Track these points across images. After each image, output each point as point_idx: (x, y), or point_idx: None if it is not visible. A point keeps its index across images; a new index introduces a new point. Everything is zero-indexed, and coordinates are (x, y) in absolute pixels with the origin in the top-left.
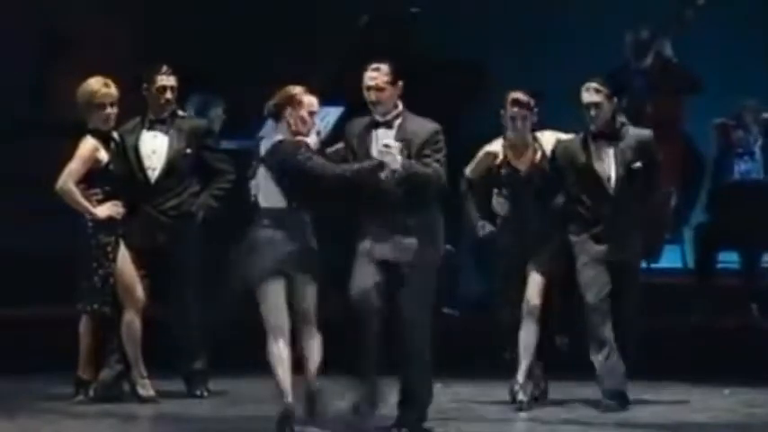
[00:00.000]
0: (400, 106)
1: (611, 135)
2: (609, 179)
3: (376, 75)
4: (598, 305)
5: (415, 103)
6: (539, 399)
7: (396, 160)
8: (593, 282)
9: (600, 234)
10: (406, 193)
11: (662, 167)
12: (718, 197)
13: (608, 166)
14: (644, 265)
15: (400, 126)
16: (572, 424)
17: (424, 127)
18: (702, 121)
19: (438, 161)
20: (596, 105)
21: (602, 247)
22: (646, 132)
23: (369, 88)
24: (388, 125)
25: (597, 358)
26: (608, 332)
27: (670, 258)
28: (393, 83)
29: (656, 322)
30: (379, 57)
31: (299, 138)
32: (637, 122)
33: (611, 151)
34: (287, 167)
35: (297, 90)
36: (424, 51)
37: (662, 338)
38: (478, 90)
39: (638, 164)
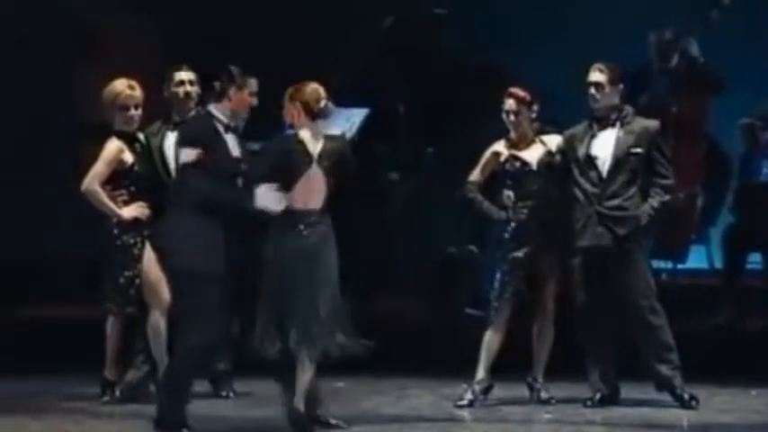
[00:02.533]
0: None
1: (613, 119)
2: (604, 163)
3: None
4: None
5: (435, 106)
6: (608, 399)
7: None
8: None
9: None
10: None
11: (686, 167)
12: (744, 198)
13: (606, 149)
14: (670, 265)
15: None
16: (597, 425)
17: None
18: (728, 121)
19: None
20: (597, 85)
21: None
22: (652, 122)
23: None
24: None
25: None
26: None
27: (696, 259)
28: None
29: (682, 323)
30: (403, 58)
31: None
32: (661, 123)
33: (612, 136)
34: None
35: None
36: (448, 53)
37: (688, 339)
38: (497, 93)
39: (638, 149)
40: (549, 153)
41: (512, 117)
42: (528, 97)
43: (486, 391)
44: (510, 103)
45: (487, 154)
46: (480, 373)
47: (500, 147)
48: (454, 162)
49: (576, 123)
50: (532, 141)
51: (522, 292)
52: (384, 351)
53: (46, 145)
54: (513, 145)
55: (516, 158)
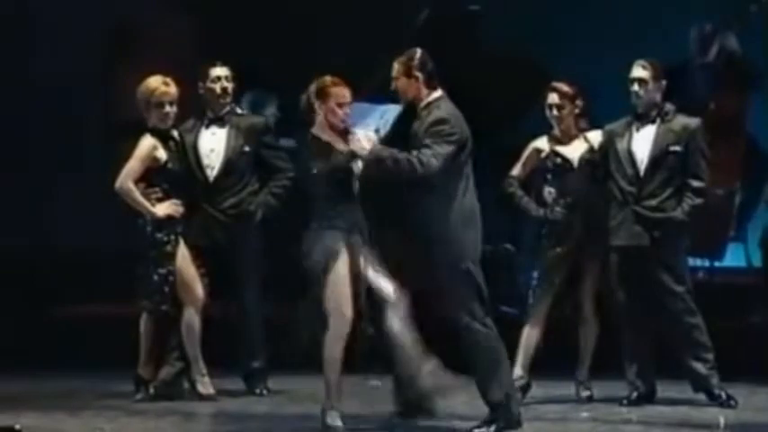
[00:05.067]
0: (431, 96)
1: (654, 116)
2: (642, 160)
3: (394, 65)
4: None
5: (472, 101)
6: (644, 398)
7: (362, 147)
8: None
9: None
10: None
11: (724, 164)
12: None
13: (645, 146)
14: (707, 263)
15: (425, 117)
16: (633, 424)
17: (432, 116)
18: (767, 116)
19: (431, 149)
20: (641, 81)
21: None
22: (693, 119)
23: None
24: (417, 116)
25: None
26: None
27: (734, 257)
28: (408, 74)
29: (719, 322)
30: (439, 54)
31: (330, 134)
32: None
33: (651, 132)
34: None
35: (327, 82)
36: (483, 49)
37: (726, 338)
38: (538, 89)
39: (677, 147)
40: (592, 150)
41: (555, 112)
42: (571, 92)
43: (524, 389)
44: (553, 98)
45: (529, 149)
46: (518, 370)
47: (542, 143)
48: (490, 159)
49: (612, 120)
50: (575, 137)
51: (562, 289)
52: None
53: (82, 143)
54: (555, 141)
55: (557, 155)
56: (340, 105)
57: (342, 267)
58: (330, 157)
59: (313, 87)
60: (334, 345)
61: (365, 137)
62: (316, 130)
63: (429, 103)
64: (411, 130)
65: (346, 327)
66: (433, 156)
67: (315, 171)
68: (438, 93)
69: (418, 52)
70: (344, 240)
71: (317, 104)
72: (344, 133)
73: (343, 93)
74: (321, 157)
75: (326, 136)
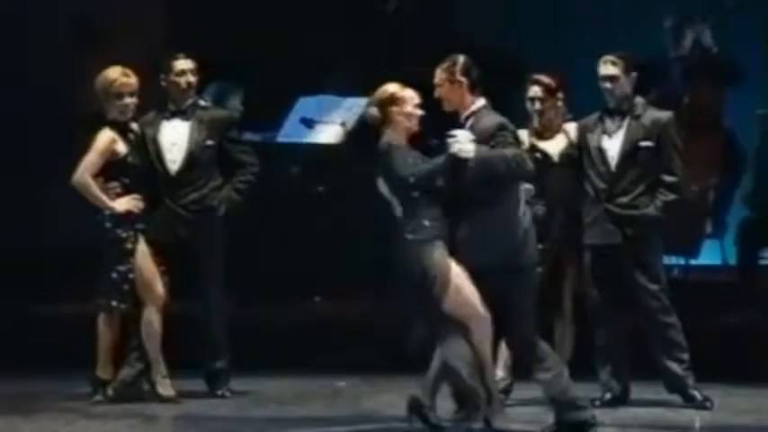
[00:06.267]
0: (476, 104)
1: (625, 111)
2: (613, 157)
3: (437, 71)
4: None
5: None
6: (618, 399)
7: (465, 149)
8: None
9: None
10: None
11: (700, 160)
12: (759, 192)
13: (616, 142)
14: (682, 261)
15: (472, 126)
16: (608, 426)
17: (489, 122)
18: (744, 112)
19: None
20: (612, 78)
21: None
22: (665, 113)
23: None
24: (461, 126)
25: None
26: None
27: (710, 255)
28: (452, 80)
29: (694, 321)
30: (410, 42)
31: (404, 140)
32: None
33: (623, 127)
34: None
35: (394, 88)
36: (456, 39)
37: (701, 338)
38: (515, 79)
39: (648, 143)
40: (572, 145)
41: (536, 105)
42: (554, 84)
43: (506, 391)
44: (535, 90)
45: None
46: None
47: (522, 135)
48: None
49: (584, 114)
50: (557, 132)
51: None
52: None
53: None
54: (536, 134)
55: (537, 149)
56: (416, 106)
57: (456, 274)
58: (419, 164)
59: (383, 95)
60: (483, 347)
61: (465, 137)
62: (392, 140)
63: (474, 112)
64: None
65: (488, 325)
66: (519, 155)
67: (411, 180)
68: (482, 101)
69: (462, 58)
70: (445, 249)
71: (394, 111)
72: (416, 137)
73: (414, 94)
74: (406, 164)
75: (403, 141)
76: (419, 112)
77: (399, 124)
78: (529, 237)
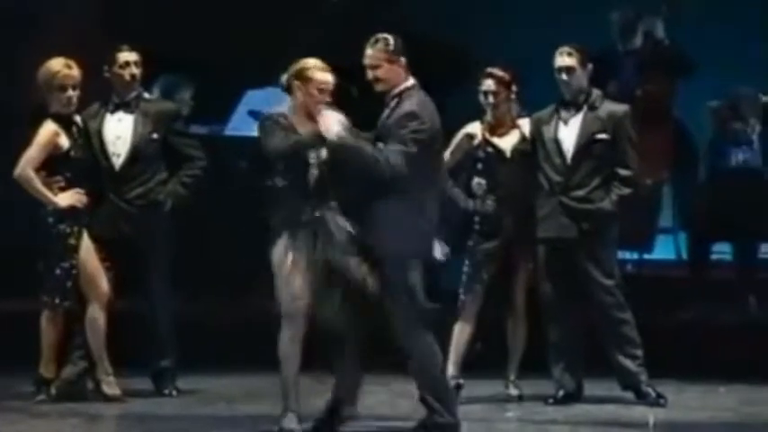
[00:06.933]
0: (407, 82)
1: (581, 103)
2: (569, 149)
3: (369, 52)
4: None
5: None
6: (571, 396)
7: (330, 130)
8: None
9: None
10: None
11: (652, 153)
12: (712, 185)
13: (571, 135)
14: (635, 255)
15: (397, 105)
16: (561, 424)
17: (403, 109)
18: (696, 104)
19: (399, 147)
20: (568, 70)
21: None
22: (621, 106)
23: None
24: (386, 104)
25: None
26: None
27: (663, 249)
28: (390, 60)
29: (648, 317)
30: (354, 34)
31: (300, 116)
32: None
33: (578, 120)
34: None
35: (309, 64)
36: (404, 32)
37: (655, 334)
38: (463, 72)
39: (603, 135)
40: (524, 139)
41: (490, 98)
42: (507, 77)
43: (457, 389)
44: (488, 84)
45: (460, 135)
46: (450, 370)
47: (475, 128)
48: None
49: (543, 105)
50: (511, 127)
51: (493, 284)
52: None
53: None
54: (490, 129)
55: (490, 144)
56: (321, 91)
57: (294, 266)
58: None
59: (295, 65)
60: (288, 344)
61: (336, 118)
62: (279, 113)
63: (401, 92)
64: (380, 120)
65: (301, 324)
66: (400, 155)
67: (273, 155)
68: (412, 81)
69: (391, 37)
70: (302, 239)
71: (296, 85)
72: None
73: (327, 78)
74: (273, 137)
75: (296, 119)
76: (322, 98)
77: (297, 99)
78: (423, 231)
